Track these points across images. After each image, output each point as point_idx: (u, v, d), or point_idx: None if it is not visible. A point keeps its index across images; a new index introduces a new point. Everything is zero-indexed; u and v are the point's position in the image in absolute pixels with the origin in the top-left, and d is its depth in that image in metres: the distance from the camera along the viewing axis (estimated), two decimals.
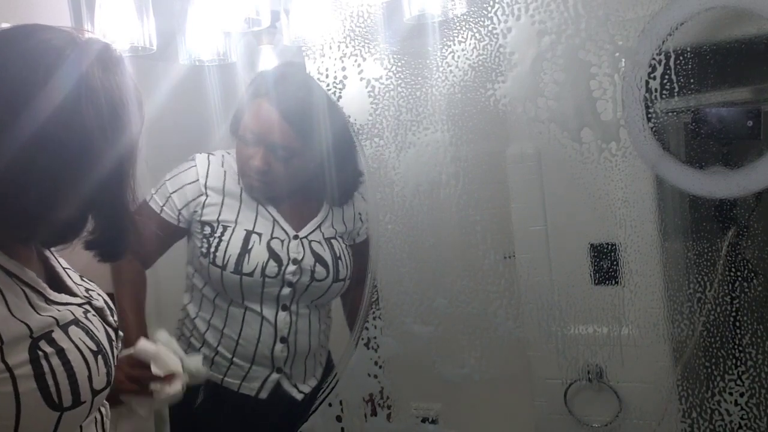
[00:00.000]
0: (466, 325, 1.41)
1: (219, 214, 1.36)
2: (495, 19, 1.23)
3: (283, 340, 1.38)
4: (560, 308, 1.35)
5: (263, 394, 1.40)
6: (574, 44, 1.19)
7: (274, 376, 1.40)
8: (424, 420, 1.51)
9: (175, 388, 1.13)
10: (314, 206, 1.45)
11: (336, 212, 1.46)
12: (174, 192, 1.38)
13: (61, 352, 0.75)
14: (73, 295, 0.86)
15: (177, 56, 1.62)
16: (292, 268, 1.36)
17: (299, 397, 1.42)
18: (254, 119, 1.36)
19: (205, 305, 1.41)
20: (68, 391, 0.75)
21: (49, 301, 0.79)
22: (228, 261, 1.34)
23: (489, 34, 1.25)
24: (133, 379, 1.11)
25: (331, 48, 1.38)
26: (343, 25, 1.36)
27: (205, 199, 1.37)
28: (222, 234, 1.36)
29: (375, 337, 1.43)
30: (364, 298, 1.45)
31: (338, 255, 1.42)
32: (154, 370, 1.11)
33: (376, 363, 1.44)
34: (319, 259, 1.39)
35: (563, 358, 1.38)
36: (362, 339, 1.45)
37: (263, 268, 1.34)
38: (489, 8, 1.23)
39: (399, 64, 1.35)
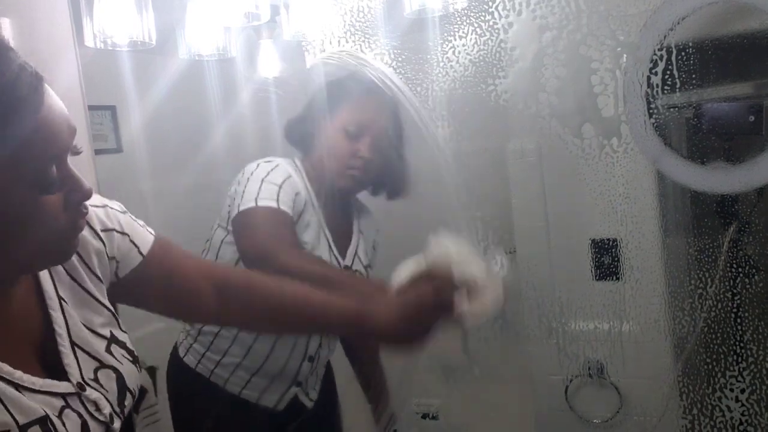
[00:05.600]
0: None
1: (304, 234, 1.34)
2: (496, 14, 1.23)
3: (311, 358, 1.38)
4: (561, 304, 1.35)
5: (281, 406, 1.40)
6: (576, 39, 1.19)
7: (294, 389, 1.39)
8: (424, 416, 1.51)
9: (489, 302, 0.84)
10: (348, 232, 1.44)
11: (365, 236, 1.46)
12: (296, 196, 1.27)
13: None
14: (63, 378, 0.72)
15: (176, 51, 1.61)
16: None
17: (310, 405, 1.43)
18: (368, 111, 1.30)
19: None
20: None
21: (21, 389, 0.67)
22: None
23: (490, 29, 1.24)
24: (438, 294, 0.87)
25: (331, 43, 1.37)
26: (343, 20, 1.36)
27: (302, 214, 1.34)
28: None
29: None
30: None
31: None
32: (459, 276, 0.84)
33: None
34: None
35: (564, 354, 1.38)
36: None
37: None
38: (490, 3, 1.23)
39: (399, 59, 1.34)
